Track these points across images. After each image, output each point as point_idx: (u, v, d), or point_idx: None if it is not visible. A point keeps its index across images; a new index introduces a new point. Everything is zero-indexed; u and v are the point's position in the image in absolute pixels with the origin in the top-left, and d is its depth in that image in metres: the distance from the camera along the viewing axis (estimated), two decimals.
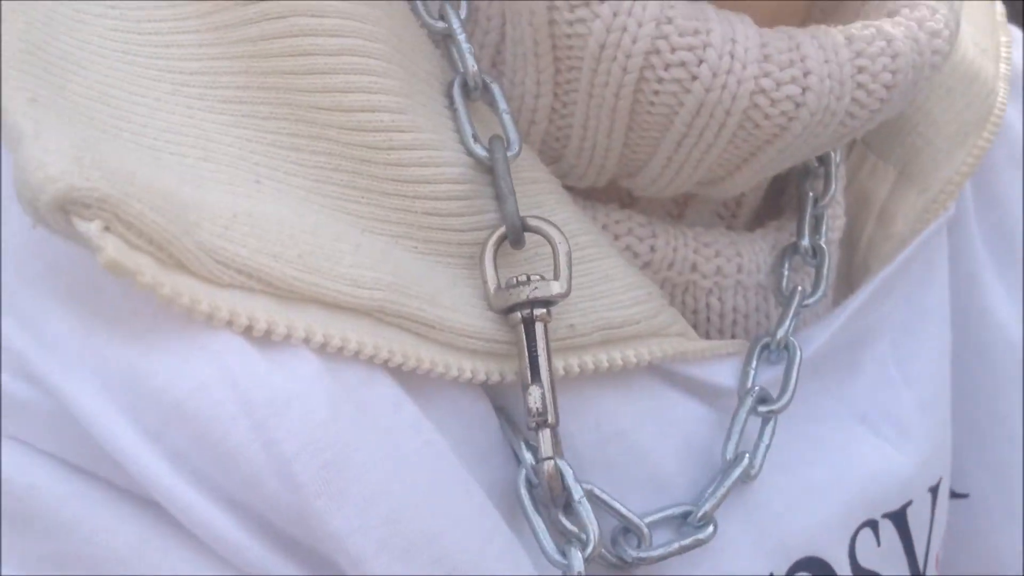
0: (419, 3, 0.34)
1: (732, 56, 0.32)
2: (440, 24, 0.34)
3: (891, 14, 0.36)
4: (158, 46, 0.31)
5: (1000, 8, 0.49)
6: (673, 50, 0.32)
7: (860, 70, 0.34)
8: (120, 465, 0.27)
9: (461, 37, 0.34)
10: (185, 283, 0.27)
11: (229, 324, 0.27)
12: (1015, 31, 0.51)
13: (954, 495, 0.46)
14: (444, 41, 0.35)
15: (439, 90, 0.34)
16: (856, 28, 0.34)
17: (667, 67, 0.32)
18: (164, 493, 0.27)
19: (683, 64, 0.32)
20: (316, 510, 0.27)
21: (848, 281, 0.44)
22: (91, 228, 0.25)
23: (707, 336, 0.39)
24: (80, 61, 0.30)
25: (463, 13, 0.35)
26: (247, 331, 0.28)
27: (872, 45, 0.34)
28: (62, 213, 0.25)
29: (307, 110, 0.31)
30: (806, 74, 0.33)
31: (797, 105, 0.33)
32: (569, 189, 0.37)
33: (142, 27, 0.32)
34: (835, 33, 0.34)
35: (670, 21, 0.32)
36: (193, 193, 0.28)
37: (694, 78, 0.32)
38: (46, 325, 0.27)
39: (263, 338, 0.28)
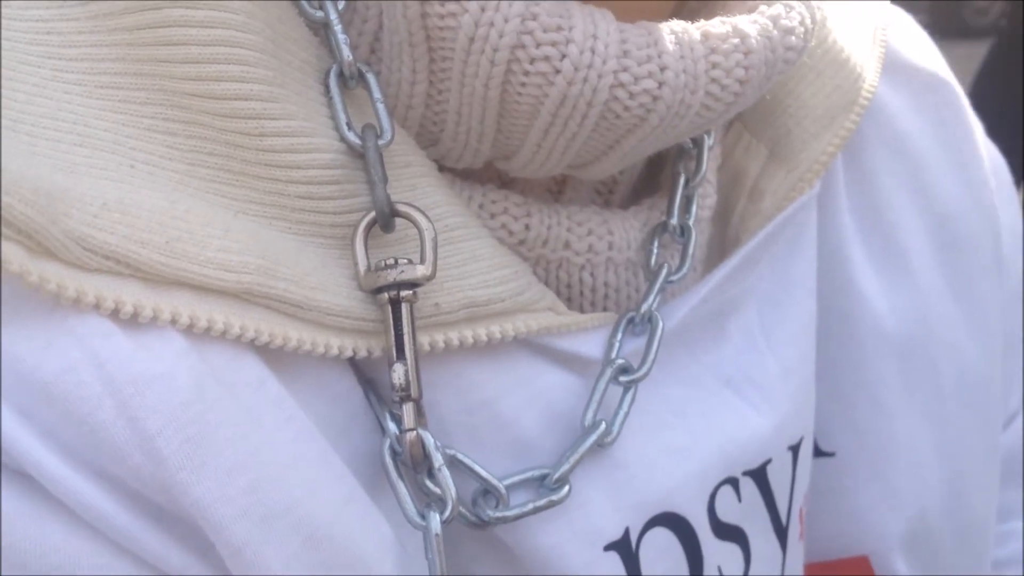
0: None
1: (593, 51, 0.34)
2: (318, 14, 0.36)
3: (750, 11, 0.38)
4: (40, 32, 0.33)
5: None
6: (538, 45, 0.34)
7: (714, 66, 0.36)
8: None
9: (337, 28, 0.36)
10: (53, 270, 0.29)
11: (96, 307, 0.29)
12: (896, 11, 0.53)
13: (822, 454, 0.49)
14: (323, 30, 0.36)
15: (316, 78, 0.36)
16: (712, 25, 0.36)
17: (532, 61, 0.34)
18: (35, 467, 0.29)
19: (547, 58, 0.34)
20: (178, 482, 0.29)
21: (722, 254, 0.47)
22: None
23: (581, 309, 0.41)
24: None
25: (341, 4, 0.36)
26: (114, 314, 0.29)
27: (726, 42, 0.36)
28: None
29: (182, 96, 0.33)
30: (663, 69, 0.35)
31: (654, 98, 0.35)
32: (448, 171, 0.39)
33: (25, 14, 0.33)
34: (692, 30, 0.36)
35: (535, 17, 0.34)
36: (65, 181, 0.30)
37: (557, 71, 0.34)
38: None
39: (130, 320, 0.30)
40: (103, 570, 0.30)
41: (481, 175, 0.40)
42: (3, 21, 0.33)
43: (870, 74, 0.48)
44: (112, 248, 0.29)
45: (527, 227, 0.39)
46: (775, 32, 0.37)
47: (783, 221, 0.45)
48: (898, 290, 0.49)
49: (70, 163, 0.30)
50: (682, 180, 0.43)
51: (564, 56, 0.34)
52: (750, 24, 0.37)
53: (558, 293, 0.40)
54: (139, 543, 0.30)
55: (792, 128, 0.46)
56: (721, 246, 0.47)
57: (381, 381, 0.36)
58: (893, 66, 0.51)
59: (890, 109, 0.51)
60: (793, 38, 0.38)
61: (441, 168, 0.38)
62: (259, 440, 0.31)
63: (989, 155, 0.55)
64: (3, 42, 0.32)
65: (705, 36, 0.36)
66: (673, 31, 0.36)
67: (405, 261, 0.34)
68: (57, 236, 0.28)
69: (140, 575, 0.30)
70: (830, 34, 0.47)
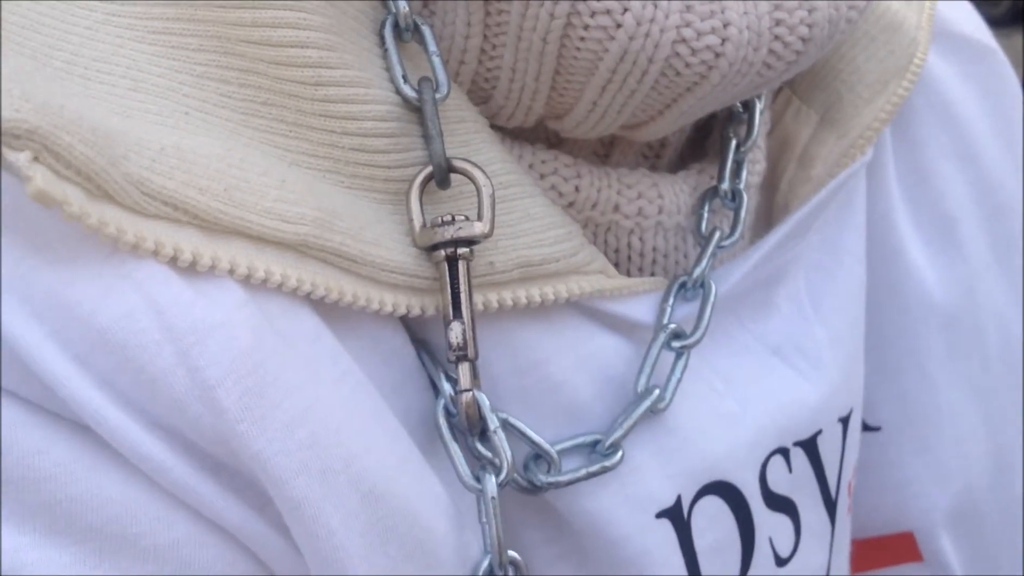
0: None
1: (655, 6, 0.33)
2: None
3: None
4: None
5: None
6: None
7: (778, 23, 0.35)
8: (50, 389, 0.28)
9: None
10: (111, 213, 0.28)
11: (154, 254, 0.28)
12: None
13: (868, 428, 0.49)
14: None
15: (371, 29, 0.35)
16: None
17: (593, 14, 0.33)
18: (92, 416, 0.28)
19: (608, 12, 0.33)
20: (238, 434, 0.28)
21: (769, 221, 0.46)
22: (20, 158, 0.26)
23: (628, 274, 0.40)
24: None
25: None
26: (172, 261, 0.29)
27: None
28: None
29: (237, 43, 0.32)
30: (726, 25, 0.34)
31: (716, 55, 0.34)
32: (498, 129, 0.38)
33: None
34: None
35: None
36: (122, 125, 0.29)
37: (618, 26, 0.33)
38: None
39: (188, 268, 0.29)
40: (160, 523, 0.29)
41: (529, 135, 0.40)
42: None
43: (921, 41, 0.47)
44: (170, 193, 0.29)
45: (577, 189, 0.38)
46: None
47: (835, 187, 0.44)
48: (946, 260, 0.49)
49: (125, 107, 0.30)
50: (733, 144, 0.42)
51: (626, 10, 0.33)
52: None
53: (606, 257, 0.39)
54: (196, 496, 0.29)
55: (844, 94, 0.45)
56: (768, 214, 0.46)
57: (433, 341, 0.35)
58: (941, 34, 0.50)
59: (938, 77, 0.50)
60: None
61: (491, 126, 0.37)
62: (317, 393, 0.30)
63: None
64: None
65: None
66: None
67: (462, 218, 0.33)
68: (116, 179, 0.28)
69: (197, 528, 0.30)
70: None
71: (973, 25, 0.53)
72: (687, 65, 0.34)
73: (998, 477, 0.49)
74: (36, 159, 0.26)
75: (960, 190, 0.50)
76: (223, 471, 0.30)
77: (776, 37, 0.35)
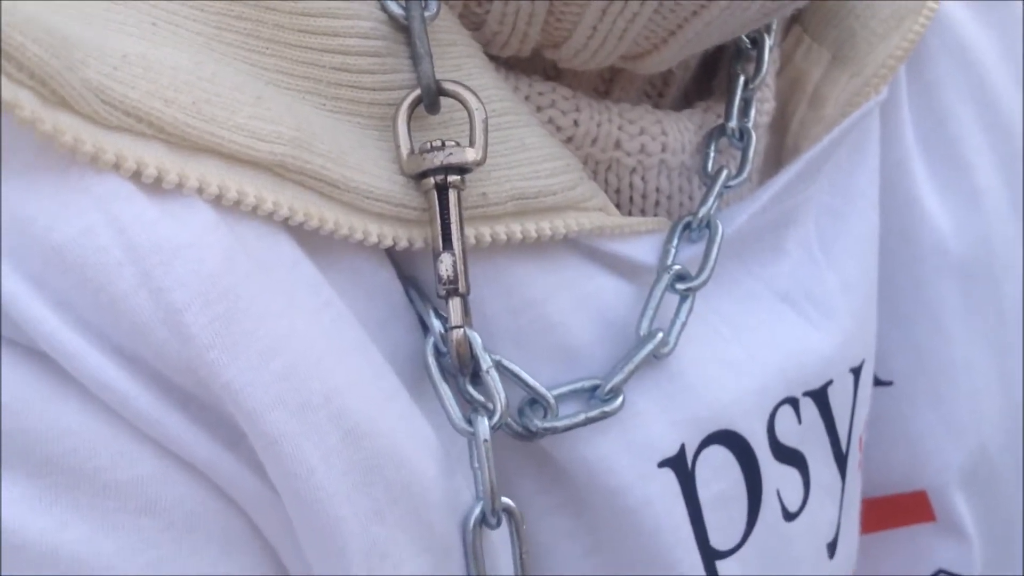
0: None
1: None
2: None
3: None
4: None
5: None
6: None
7: None
8: (4, 313, 0.26)
9: None
10: (68, 121, 0.26)
11: (116, 167, 0.26)
12: None
13: (879, 383, 0.47)
14: None
15: None
16: None
17: None
18: (49, 341, 0.26)
19: None
20: (207, 362, 0.26)
21: (778, 163, 0.44)
22: None
23: (630, 215, 0.38)
24: None
25: None
26: (135, 176, 0.26)
27: None
28: None
29: None
30: None
31: None
32: (492, 59, 0.36)
33: None
34: None
35: None
36: (82, 31, 0.27)
37: None
38: None
39: (153, 185, 0.27)
40: (123, 457, 0.27)
41: (526, 67, 0.37)
42: None
43: None
44: (133, 103, 0.26)
45: (575, 123, 0.36)
46: None
47: (848, 127, 0.42)
48: (962, 208, 0.47)
49: (86, 14, 0.28)
50: (741, 81, 0.40)
51: None
52: None
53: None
54: (163, 428, 0.27)
55: (858, 30, 0.43)
56: (777, 156, 0.44)
57: (422, 278, 0.33)
58: None
59: (955, 19, 0.48)
60: None
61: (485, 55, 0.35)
62: (294, 322, 0.28)
63: None
64: None
65: None
66: None
67: (453, 144, 0.31)
68: (74, 84, 0.25)
69: (163, 465, 0.28)
70: None
71: None
72: None
73: (1012, 435, 0.47)
74: None
75: (977, 136, 0.48)
76: (191, 403, 0.28)
77: None
